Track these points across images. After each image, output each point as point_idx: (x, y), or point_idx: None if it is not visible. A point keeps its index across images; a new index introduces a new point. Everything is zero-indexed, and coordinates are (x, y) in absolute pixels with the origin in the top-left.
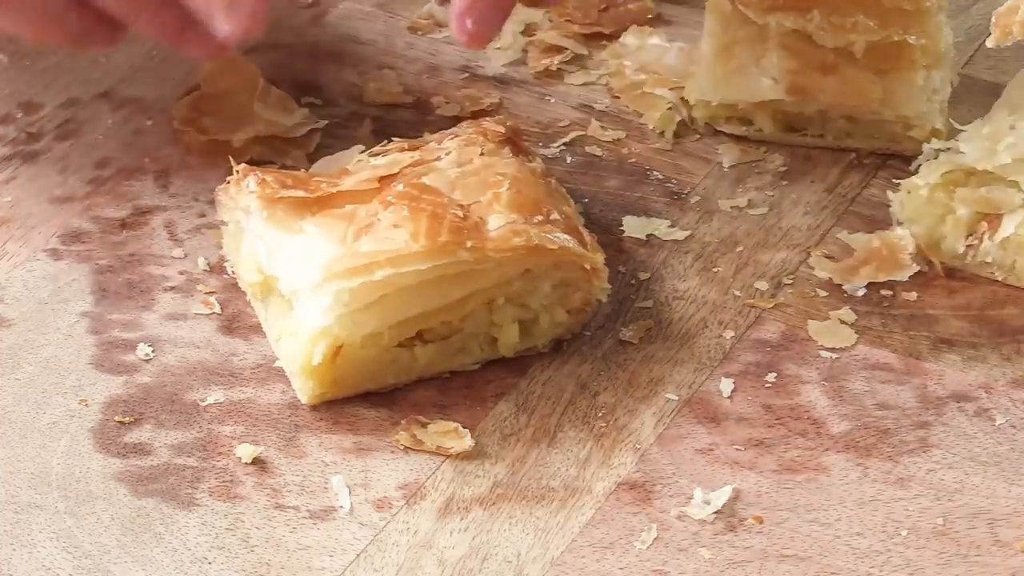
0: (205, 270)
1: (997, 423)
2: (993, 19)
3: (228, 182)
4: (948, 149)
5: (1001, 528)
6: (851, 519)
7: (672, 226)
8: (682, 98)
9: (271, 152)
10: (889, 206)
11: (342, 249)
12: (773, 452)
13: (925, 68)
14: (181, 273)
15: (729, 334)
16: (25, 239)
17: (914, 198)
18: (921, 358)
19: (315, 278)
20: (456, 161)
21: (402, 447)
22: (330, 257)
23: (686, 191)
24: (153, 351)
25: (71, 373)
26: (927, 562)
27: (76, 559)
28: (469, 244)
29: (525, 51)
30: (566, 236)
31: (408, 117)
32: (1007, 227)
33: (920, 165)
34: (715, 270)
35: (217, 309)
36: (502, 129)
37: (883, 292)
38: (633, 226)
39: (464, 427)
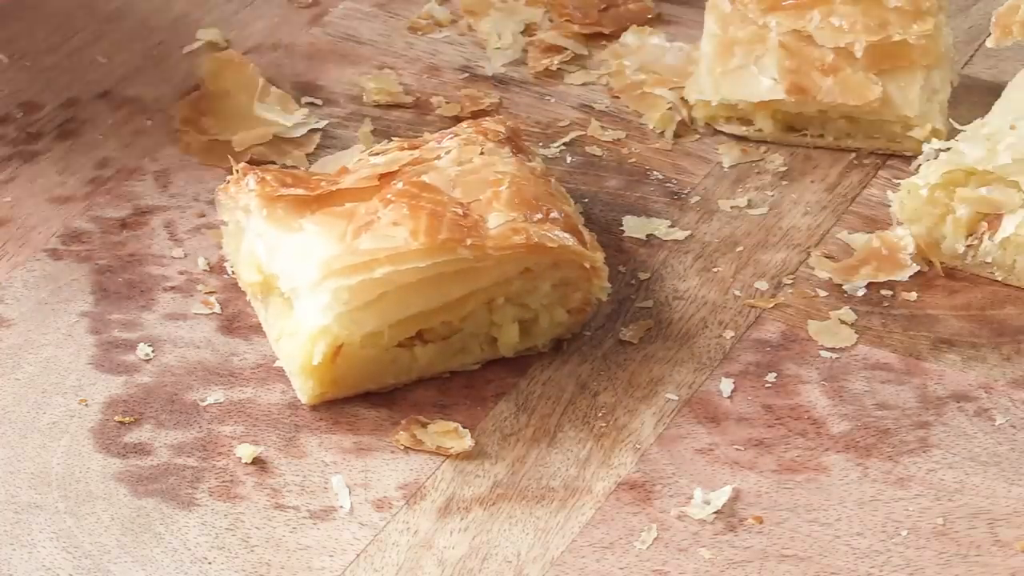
0: (205, 270)
1: (997, 423)
2: (993, 19)
3: (228, 182)
4: (948, 149)
5: (1001, 528)
6: (851, 519)
7: (672, 226)
8: (682, 98)
9: (271, 152)
10: (889, 206)
11: (341, 247)
12: (773, 452)
13: (925, 68)
14: (181, 273)
15: (729, 334)
16: (25, 239)
17: (914, 198)
18: (921, 358)
19: (314, 276)
20: (456, 160)
21: (402, 447)
22: (329, 255)
23: (686, 191)
24: (153, 351)
25: (71, 373)
26: (927, 562)
27: (76, 559)
28: (469, 242)
29: (525, 51)
30: (566, 235)
31: (408, 117)
32: (1007, 227)
33: (920, 165)
34: (715, 270)
35: (217, 309)
36: (502, 129)
37: (883, 292)
38: (633, 226)
39: (464, 427)
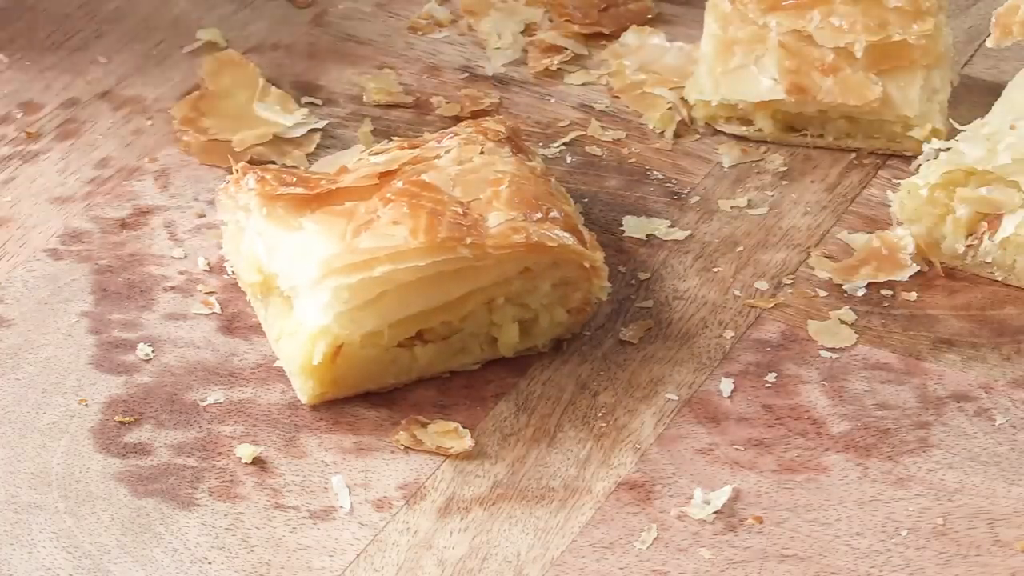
0: (205, 270)
1: (997, 423)
2: (993, 19)
3: (228, 181)
4: (948, 149)
5: (1001, 528)
6: (851, 519)
7: (672, 226)
8: (682, 98)
9: (271, 152)
10: (889, 206)
11: (341, 246)
12: (773, 452)
13: (925, 68)
14: (181, 273)
15: (729, 334)
16: (25, 239)
17: (914, 198)
18: (921, 358)
19: (314, 274)
20: (456, 159)
21: (402, 447)
22: (329, 253)
23: (686, 191)
24: (153, 351)
25: (71, 373)
26: (927, 562)
27: (76, 559)
28: (468, 241)
29: (525, 51)
30: (565, 234)
31: (408, 117)
32: (1007, 227)
33: (920, 165)
34: (715, 270)
35: (217, 309)
36: (502, 128)
37: (883, 292)
38: (633, 226)
39: (464, 427)
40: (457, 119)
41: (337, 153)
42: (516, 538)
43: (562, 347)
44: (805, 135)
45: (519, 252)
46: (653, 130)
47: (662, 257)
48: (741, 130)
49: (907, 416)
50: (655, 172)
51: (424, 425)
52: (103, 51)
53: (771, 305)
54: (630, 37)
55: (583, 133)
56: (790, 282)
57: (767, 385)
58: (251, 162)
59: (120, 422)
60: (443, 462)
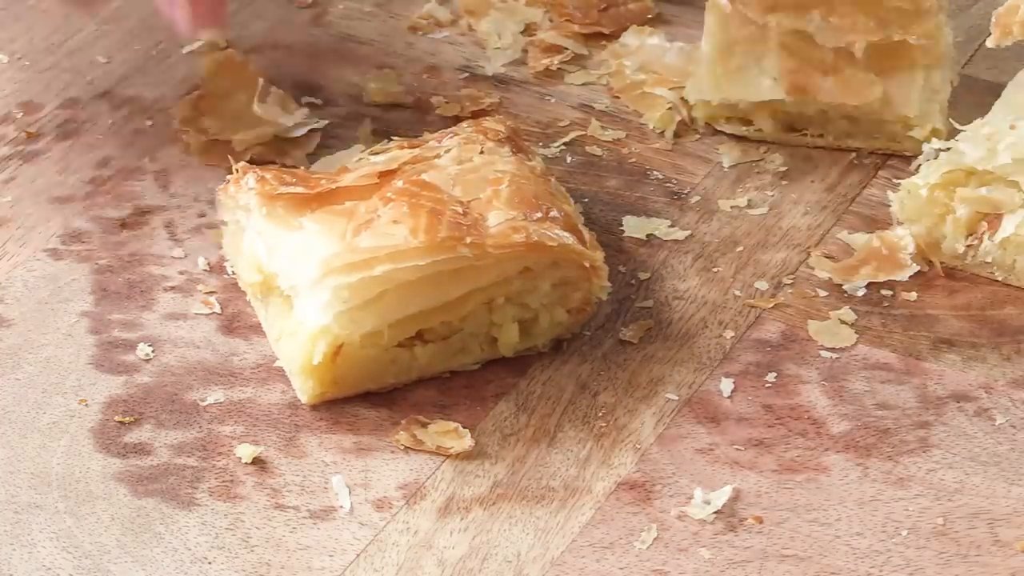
0: (205, 270)
1: (997, 423)
2: (993, 19)
3: (228, 181)
4: (948, 149)
5: (1001, 528)
6: (851, 519)
7: (672, 226)
8: (682, 98)
9: (271, 152)
10: (889, 206)
11: (342, 245)
12: (773, 452)
13: (925, 68)
14: (181, 273)
15: (729, 334)
16: (25, 239)
17: (914, 198)
18: (921, 358)
19: (314, 274)
20: (456, 159)
21: (402, 447)
22: (329, 253)
23: (686, 191)
24: (153, 351)
25: (71, 373)
26: (927, 562)
27: (76, 559)
28: (468, 240)
29: (525, 51)
30: (566, 233)
31: (408, 117)
32: (1007, 227)
33: (920, 165)
34: (715, 270)
35: (217, 309)
36: (502, 128)
37: (883, 292)
38: (633, 226)
39: (464, 427)
40: (457, 119)
41: (337, 153)
42: (516, 538)
43: (562, 347)
44: (805, 135)
45: (519, 252)
46: (653, 130)
47: (662, 257)
48: (741, 130)
49: (907, 416)
50: (655, 172)
51: (424, 425)
52: (103, 51)
53: (771, 305)
54: (630, 37)
55: (583, 133)
56: (790, 282)
57: (767, 385)
58: (251, 162)
59: (120, 422)
60: (443, 462)
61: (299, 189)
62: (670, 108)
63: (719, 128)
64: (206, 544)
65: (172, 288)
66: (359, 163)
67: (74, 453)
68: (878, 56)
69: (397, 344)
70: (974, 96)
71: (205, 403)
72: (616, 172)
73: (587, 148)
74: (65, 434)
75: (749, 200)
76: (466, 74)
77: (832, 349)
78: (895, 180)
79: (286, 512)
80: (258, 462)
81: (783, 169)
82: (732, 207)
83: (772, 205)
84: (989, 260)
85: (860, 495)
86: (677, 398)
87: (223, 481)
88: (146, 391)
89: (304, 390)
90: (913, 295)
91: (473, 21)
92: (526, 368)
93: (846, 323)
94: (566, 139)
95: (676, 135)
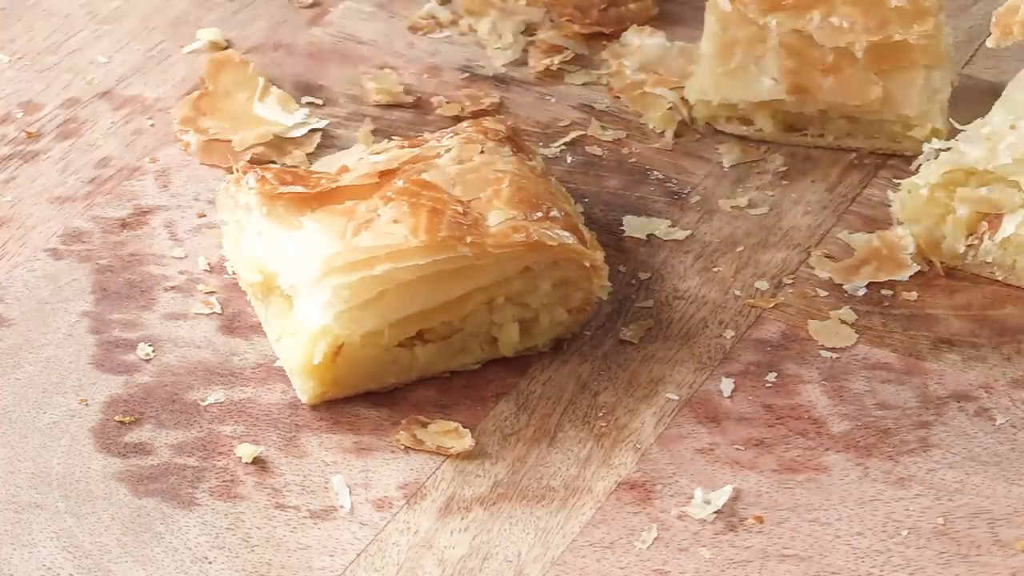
0: (205, 270)
1: (997, 423)
2: (993, 19)
3: (228, 181)
4: (948, 149)
5: (1001, 528)
6: (851, 519)
7: (672, 226)
8: (682, 98)
9: (271, 152)
10: (889, 206)
11: (342, 244)
12: (773, 452)
13: (925, 68)
14: (181, 273)
15: (729, 334)
16: (25, 239)
17: (914, 198)
18: (921, 358)
19: (315, 273)
20: (456, 158)
21: (402, 447)
22: (330, 252)
23: (686, 191)
24: (153, 351)
25: (71, 373)
26: (927, 562)
27: (76, 559)
28: (469, 240)
29: (525, 51)
30: (566, 233)
31: (408, 117)
32: (1007, 227)
33: (920, 165)
34: (715, 270)
35: (217, 309)
36: (502, 128)
37: (883, 292)
38: (633, 226)
39: (464, 427)
40: (457, 119)
41: (337, 153)
42: (517, 538)
43: (562, 347)
44: (805, 135)
45: (519, 251)
46: (653, 130)
47: (662, 257)
48: (741, 130)
49: (907, 416)
50: (655, 172)
51: (424, 425)
52: (103, 51)
53: (771, 305)
54: (630, 37)
55: (583, 133)
56: (790, 282)
57: (767, 385)
58: (251, 162)
59: (120, 422)
60: (443, 462)
61: (299, 189)
62: (670, 108)
63: (719, 128)
64: (206, 544)
65: (172, 288)
66: (359, 163)
67: (74, 453)
68: (878, 56)
69: (397, 344)
70: (974, 96)
71: (205, 403)
72: (616, 172)
73: (587, 148)
74: (65, 434)
75: (749, 200)
76: (466, 74)
77: (832, 349)
78: (895, 180)
79: (286, 512)
80: (258, 462)
81: (783, 169)
82: (732, 207)
83: (772, 205)
84: (989, 260)
85: (860, 495)
86: (677, 398)
87: (223, 481)
88: (146, 391)
89: (304, 390)
90: (913, 295)
91: (473, 21)
92: (526, 368)
93: (846, 323)
94: (566, 139)
95: (676, 135)
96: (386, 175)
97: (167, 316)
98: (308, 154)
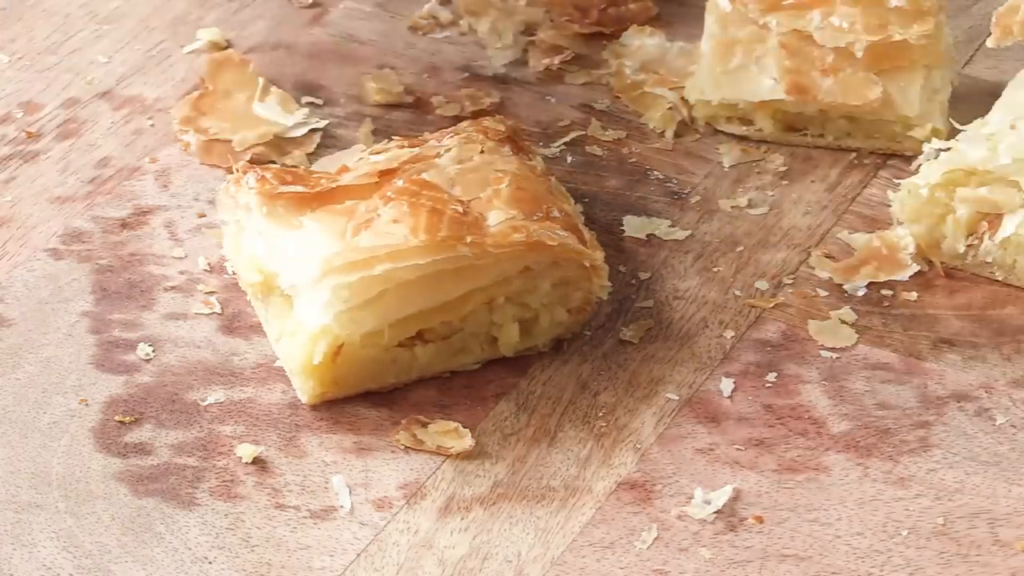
0: (205, 270)
1: (997, 423)
2: (993, 19)
3: (228, 181)
4: (948, 149)
5: (1001, 528)
6: (851, 519)
7: (672, 226)
8: (682, 98)
9: (271, 152)
10: (889, 206)
11: (342, 244)
12: (773, 452)
13: (925, 68)
14: (181, 273)
15: (729, 334)
16: (25, 239)
17: (914, 198)
18: (921, 358)
19: (314, 273)
20: (456, 158)
21: (402, 447)
22: (330, 252)
23: (686, 191)
24: (153, 351)
25: (71, 373)
26: (927, 562)
27: (77, 559)
28: (469, 239)
29: (525, 51)
30: (566, 233)
31: (408, 117)
32: (1007, 227)
33: (920, 165)
34: (715, 270)
35: (217, 309)
36: (502, 127)
37: (883, 292)
38: (633, 226)
39: (464, 427)
40: (457, 119)
41: (337, 153)
42: (517, 538)
43: (562, 347)
44: (805, 135)
45: (519, 251)
46: (653, 130)
47: (662, 257)
48: (741, 130)
49: (907, 416)
50: (655, 172)
51: (424, 425)
52: (103, 51)
53: (771, 305)
54: (630, 37)
55: (583, 133)
56: (790, 282)
57: (767, 385)
58: (251, 162)
59: (120, 422)
60: (443, 462)
61: (299, 188)
62: (670, 108)
63: (719, 128)
64: (206, 544)
65: (172, 288)
66: (359, 163)
67: (74, 453)
68: (878, 56)
69: (397, 344)
70: (974, 96)
71: (205, 403)
72: (616, 172)
73: (587, 148)
74: (65, 434)
75: (749, 200)
76: (466, 74)
77: (832, 349)
78: (895, 180)
79: (286, 512)
80: (258, 462)
81: (783, 169)
82: (732, 207)
83: (772, 205)
84: (989, 260)
85: (860, 495)
86: (677, 398)
87: (223, 481)
88: (146, 391)
89: (304, 390)
90: (913, 295)
91: (473, 21)
92: (526, 368)
93: (846, 323)
94: (566, 139)
95: (676, 135)
96: (386, 175)
97: (167, 316)
98: (308, 154)
